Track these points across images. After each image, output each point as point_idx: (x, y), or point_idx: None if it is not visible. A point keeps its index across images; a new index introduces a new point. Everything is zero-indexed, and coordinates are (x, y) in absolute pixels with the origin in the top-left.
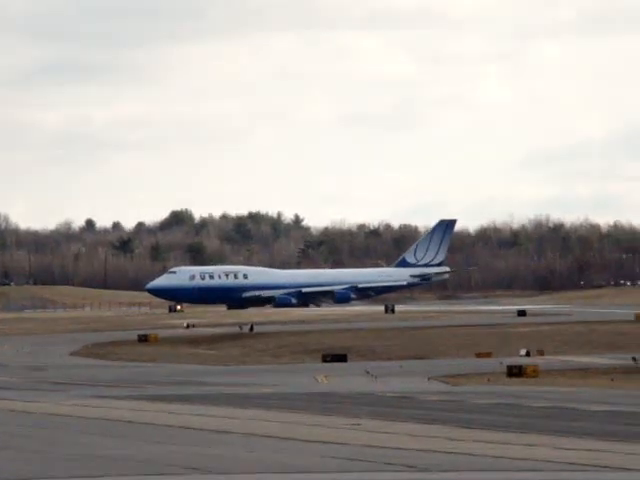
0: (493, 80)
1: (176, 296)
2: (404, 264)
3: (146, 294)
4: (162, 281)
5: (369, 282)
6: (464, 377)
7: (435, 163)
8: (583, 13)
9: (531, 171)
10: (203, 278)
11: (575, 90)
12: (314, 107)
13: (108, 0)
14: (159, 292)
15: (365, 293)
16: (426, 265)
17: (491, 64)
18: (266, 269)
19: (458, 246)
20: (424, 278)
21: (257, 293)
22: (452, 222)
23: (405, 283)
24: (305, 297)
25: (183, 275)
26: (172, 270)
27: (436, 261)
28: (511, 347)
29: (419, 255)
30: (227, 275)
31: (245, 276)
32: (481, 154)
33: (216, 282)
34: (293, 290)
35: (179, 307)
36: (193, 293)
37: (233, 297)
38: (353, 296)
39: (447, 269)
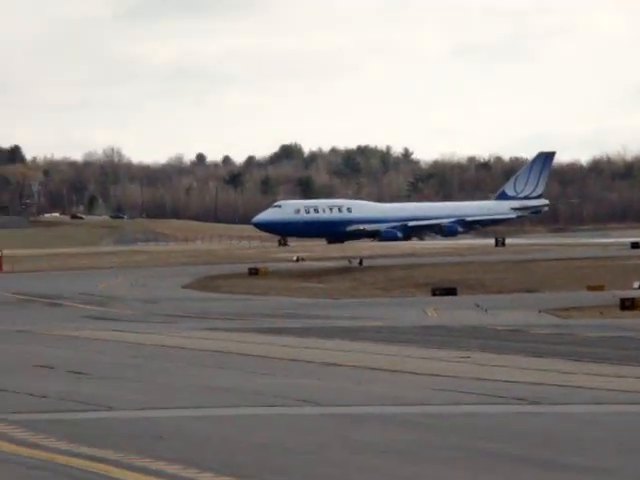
0: (604, 10)
1: (282, 230)
2: (504, 197)
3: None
4: (268, 215)
5: (473, 215)
6: (576, 310)
7: (546, 94)
8: None
9: None
10: (308, 212)
11: None
12: (423, 40)
13: None
14: (265, 226)
15: (472, 226)
16: (526, 197)
17: None
18: (370, 202)
19: (570, 178)
20: (534, 211)
21: (361, 227)
22: (551, 154)
23: (514, 216)
24: (411, 230)
25: (288, 209)
26: (277, 204)
27: (535, 194)
28: (625, 280)
29: (519, 188)
30: (331, 209)
31: (349, 209)
32: (592, 85)
33: (320, 216)
34: (398, 224)
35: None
36: (298, 226)
37: (337, 231)
38: (460, 229)
39: (546, 202)
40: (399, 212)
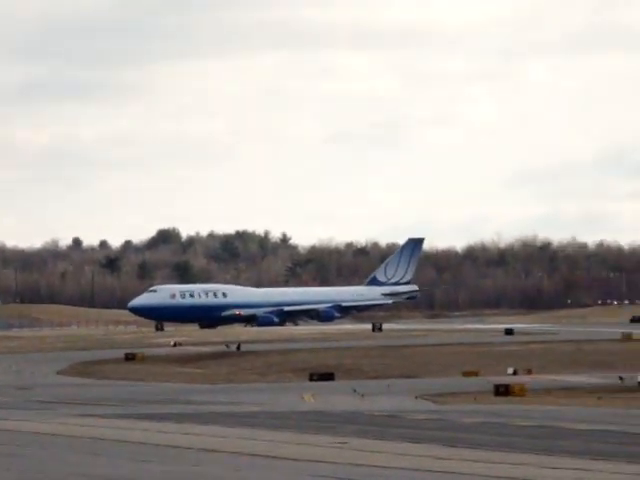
0: (478, 100)
1: (157, 314)
2: (375, 282)
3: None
4: (143, 299)
5: (348, 300)
6: (451, 396)
7: (421, 182)
8: (568, 32)
9: (517, 190)
10: (183, 296)
11: (560, 109)
12: (299, 126)
13: (92, 19)
14: (141, 310)
15: (348, 311)
16: (396, 283)
17: (476, 83)
18: (246, 287)
19: (445, 265)
20: (409, 297)
21: (236, 311)
22: (420, 240)
23: (389, 301)
24: (287, 315)
25: (164, 293)
26: (152, 289)
27: (405, 279)
28: (498, 366)
29: (389, 273)
30: (207, 294)
31: (224, 294)
32: (467, 173)
33: (196, 300)
34: (274, 308)
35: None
36: (174, 311)
37: (213, 315)
38: (337, 314)
39: (415, 287)
40: (275, 297)
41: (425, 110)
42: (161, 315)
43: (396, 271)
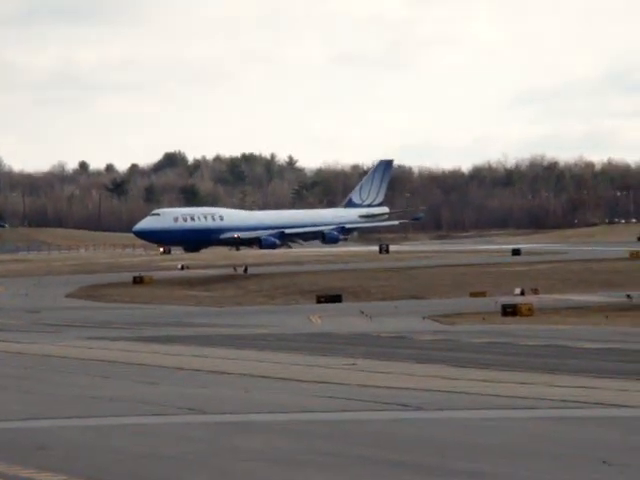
0: (482, 19)
1: (161, 238)
2: (352, 204)
3: None
4: (147, 223)
5: (352, 222)
6: (459, 316)
7: (426, 103)
8: None
9: (522, 110)
10: (185, 220)
11: (564, 28)
12: (305, 47)
13: None
14: (145, 234)
15: (349, 232)
16: (369, 205)
17: (480, 3)
18: (243, 211)
19: (451, 185)
20: (415, 217)
21: (235, 234)
22: (390, 162)
23: (397, 223)
24: (289, 238)
25: (167, 217)
26: (156, 212)
27: (377, 202)
28: (506, 286)
29: (363, 195)
30: (206, 217)
31: (221, 217)
32: (472, 93)
33: (196, 224)
34: (275, 231)
35: (161, 249)
36: (176, 235)
37: (212, 239)
38: (342, 237)
39: (386, 210)
40: (274, 220)
41: (429, 30)
42: (163, 239)
43: (369, 193)
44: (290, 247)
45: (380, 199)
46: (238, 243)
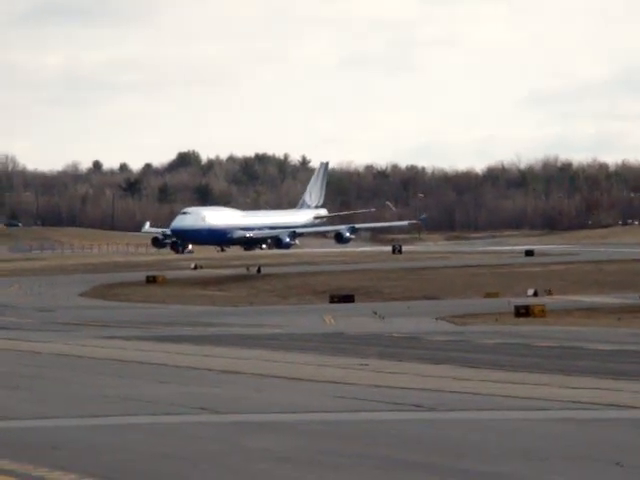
0: (492, 19)
1: (193, 237)
2: (305, 206)
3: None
4: (180, 222)
5: (305, 225)
6: (471, 317)
7: (437, 103)
8: None
9: (534, 111)
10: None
11: (574, 30)
12: (316, 48)
13: None
14: (182, 233)
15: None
16: (316, 207)
17: (490, 3)
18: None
19: (465, 186)
20: (421, 218)
21: (247, 234)
22: (326, 164)
23: (406, 223)
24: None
25: (196, 215)
26: (185, 211)
27: (320, 203)
28: (519, 287)
29: (314, 198)
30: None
31: (232, 217)
32: (482, 94)
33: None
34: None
35: (190, 247)
36: (201, 234)
37: (225, 239)
38: (352, 236)
39: (325, 212)
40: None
41: (439, 31)
42: (195, 237)
43: (319, 195)
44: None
45: (321, 201)
46: (253, 242)
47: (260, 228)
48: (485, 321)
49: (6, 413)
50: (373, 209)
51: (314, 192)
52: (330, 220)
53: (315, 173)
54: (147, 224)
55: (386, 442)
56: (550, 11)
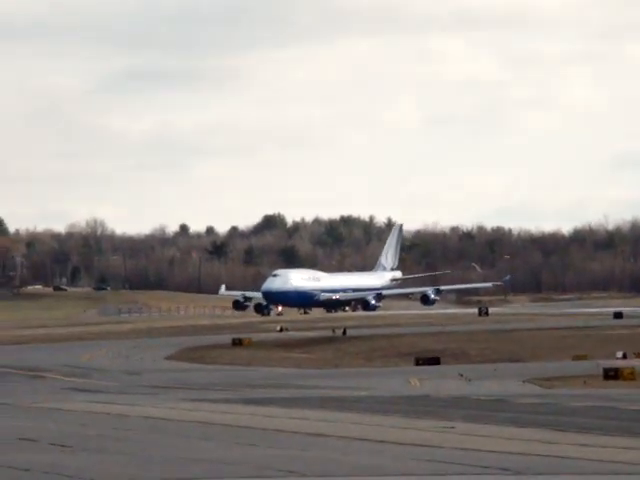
0: (576, 81)
1: (284, 298)
2: (382, 268)
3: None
4: (271, 284)
5: (384, 288)
6: (559, 380)
7: (524, 164)
8: None
9: (620, 173)
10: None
11: None
12: (398, 110)
13: (188, 7)
14: (273, 295)
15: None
16: (392, 269)
17: (574, 65)
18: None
19: (552, 247)
20: (503, 281)
21: (334, 296)
22: (400, 226)
23: (491, 285)
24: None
25: (285, 278)
26: (275, 273)
27: (395, 265)
28: (607, 349)
29: (390, 259)
30: (308, 278)
31: (318, 279)
32: (569, 156)
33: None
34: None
35: (280, 309)
36: (289, 296)
37: (312, 301)
38: (437, 297)
39: (399, 274)
40: (343, 283)
41: (524, 92)
42: (282, 299)
43: (393, 257)
44: (345, 311)
45: (396, 262)
46: (333, 305)
47: (343, 290)
48: (573, 384)
49: (96, 477)
50: (448, 271)
51: (390, 254)
52: (412, 281)
53: (390, 235)
54: (223, 287)
55: None
56: (636, 71)
